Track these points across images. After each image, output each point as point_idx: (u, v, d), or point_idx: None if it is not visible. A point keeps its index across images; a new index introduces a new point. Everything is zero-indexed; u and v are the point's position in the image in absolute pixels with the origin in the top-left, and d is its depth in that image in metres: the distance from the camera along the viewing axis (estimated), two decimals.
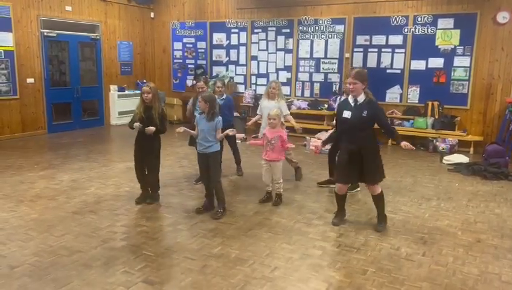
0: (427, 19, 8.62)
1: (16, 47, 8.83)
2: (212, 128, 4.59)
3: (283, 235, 4.20)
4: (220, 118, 4.64)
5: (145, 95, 4.77)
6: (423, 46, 8.69)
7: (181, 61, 11.72)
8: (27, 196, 5.30)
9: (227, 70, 10.96)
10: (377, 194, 4.37)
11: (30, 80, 9.18)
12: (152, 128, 4.73)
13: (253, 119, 6.34)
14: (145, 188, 5.11)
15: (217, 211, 4.67)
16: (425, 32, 8.66)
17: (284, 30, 10.13)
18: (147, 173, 5.05)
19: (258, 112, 6.22)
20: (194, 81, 10.29)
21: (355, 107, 4.21)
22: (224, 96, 6.10)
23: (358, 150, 4.19)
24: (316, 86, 9.91)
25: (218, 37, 11.05)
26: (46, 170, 6.52)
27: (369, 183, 4.35)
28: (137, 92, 11.29)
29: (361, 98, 4.21)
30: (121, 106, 10.84)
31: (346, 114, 4.25)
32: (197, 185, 5.73)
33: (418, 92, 8.88)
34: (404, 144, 4.22)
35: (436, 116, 8.52)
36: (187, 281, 3.32)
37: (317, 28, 9.74)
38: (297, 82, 10.13)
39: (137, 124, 4.80)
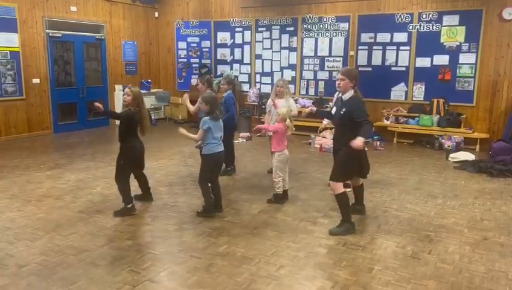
0: (432, 15, 8.58)
1: (21, 48, 8.88)
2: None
3: (288, 234, 4.20)
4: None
5: (124, 96, 4.63)
6: (428, 44, 8.64)
7: (185, 60, 11.75)
8: (34, 195, 5.34)
9: (231, 69, 10.97)
10: (336, 194, 4.21)
11: (36, 81, 9.23)
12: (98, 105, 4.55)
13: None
14: (141, 188, 5.11)
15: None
16: (430, 29, 8.62)
17: (288, 28, 10.11)
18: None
19: (268, 108, 6.20)
20: (199, 80, 10.32)
21: (341, 103, 4.22)
22: (224, 95, 6.16)
23: (337, 147, 4.26)
24: (321, 84, 9.89)
25: (223, 36, 11.05)
26: (52, 169, 6.56)
27: (330, 179, 4.28)
28: (142, 91, 11.32)
29: (347, 95, 4.16)
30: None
31: (333, 110, 4.33)
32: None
33: (423, 89, 8.84)
34: (355, 144, 3.87)
35: (442, 114, 8.48)
36: (193, 279, 3.34)
37: (321, 26, 9.71)
38: (301, 80, 10.12)
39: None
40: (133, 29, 11.37)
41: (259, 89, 10.63)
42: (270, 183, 5.32)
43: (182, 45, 11.73)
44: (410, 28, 8.80)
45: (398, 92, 9.11)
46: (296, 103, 9.46)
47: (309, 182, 5.98)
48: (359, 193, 4.67)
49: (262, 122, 6.51)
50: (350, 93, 4.14)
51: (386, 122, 9.01)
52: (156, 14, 11.92)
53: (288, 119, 4.94)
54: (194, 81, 11.42)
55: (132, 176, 4.86)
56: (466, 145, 8.17)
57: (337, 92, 4.61)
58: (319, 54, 9.83)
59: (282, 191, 5.10)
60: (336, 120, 4.38)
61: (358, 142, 3.87)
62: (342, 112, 4.13)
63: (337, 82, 4.26)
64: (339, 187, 4.16)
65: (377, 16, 9.09)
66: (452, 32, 8.46)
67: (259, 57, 10.62)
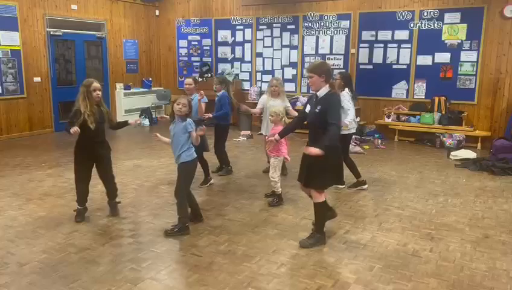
0: (434, 13, 8.55)
1: (22, 46, 8.89)
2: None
3: (289, 232, 4.20)
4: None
5: (97, 92, 4.32)
6: (429, 41, 8.63)
7: (186, 58, 11.74)
8: (35, 194, 5.35)
9: (232, 67, 10.97)
10: (315, 202, 3.87)
11: (37, 79, 9.24)
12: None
13: (253, 110, 6.12)
14: (85, 203, 4.56)
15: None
16: (432, 27, 8.60)
17: (289, 26, 10.10)
18: (104, 184, 4.64)
19: (258, 107, 6.14)
20: (200, 79, 10.32)
21: (315, 102, 3.83)
22: (218, 94, 6.11)
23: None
24: None
25: (223, 34, 11.04)
26: (53, 168, 6.56)
27: (305, 185, 3.95)
28: (143, 90, 11.37)
29: (321, 92, 3.77)
30: (127, 104, 10.90)
31: (307, 108, 3.91)
32: (203, 185, 5.75)
33: (425, 87, 8.83)
34: (311, 150, 3.57)
35: (443, 112, 8.47)
36: (194, 277, 3.34)
37: (322, 24, 9.70)
38: (302, 78, 10.11)
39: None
40: (134, 28, 11.37)
41: (260, 87, 10.62)
42: (270, 182, 5.30)
43: (183, 43, 11.72)
44: (412, 25, 8.78)
45: (399, 90, 9.09)
46: (297, 101, 9.51)
47: None
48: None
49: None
50: (326, 90, 3.76)
51: (387, 120, 9.00)
52: (157, 13, 11.91)
53: (285, 118, 4.93)
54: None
55: (94, 178, 4.66)
56: (467, 143, 8.16)
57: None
58: (320, 52, 9.82)
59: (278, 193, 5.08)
60: (309, 118, 3.90)
61: (314, 150, 3.54)
62: (316, 110, 3.73)
63: (308, 81, 3.92)
64: (321, 195, 3.84)
65: (378, 14, 9.07)
66: (453, 30, 8.43)
67: (260, 55, 10.60)
